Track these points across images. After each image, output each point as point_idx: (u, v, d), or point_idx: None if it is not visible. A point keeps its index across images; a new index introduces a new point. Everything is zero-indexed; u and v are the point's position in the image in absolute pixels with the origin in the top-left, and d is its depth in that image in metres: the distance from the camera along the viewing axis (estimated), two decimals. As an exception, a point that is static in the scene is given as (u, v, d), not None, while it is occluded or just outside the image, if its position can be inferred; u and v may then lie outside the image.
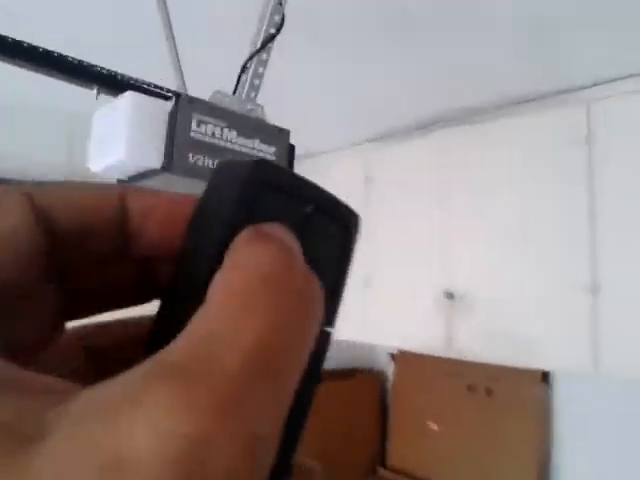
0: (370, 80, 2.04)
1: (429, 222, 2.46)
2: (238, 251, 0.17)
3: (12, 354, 0.15)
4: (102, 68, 0.94)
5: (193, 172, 0.91)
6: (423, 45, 1.75)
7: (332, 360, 3.35)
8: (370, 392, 3.15)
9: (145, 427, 0.12)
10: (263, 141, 0.98)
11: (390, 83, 2.06)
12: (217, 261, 0.17)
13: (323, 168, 3.06)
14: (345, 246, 0.23)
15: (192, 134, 0.92)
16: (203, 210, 0.20)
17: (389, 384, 3.15)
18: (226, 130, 0.95)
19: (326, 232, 0.22)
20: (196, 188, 0.93)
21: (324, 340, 0.21)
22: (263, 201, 0.20)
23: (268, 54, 1.03)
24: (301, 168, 3.25)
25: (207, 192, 0.21)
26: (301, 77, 2.06)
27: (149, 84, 0.95)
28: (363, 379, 3.19)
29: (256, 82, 1.03)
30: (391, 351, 3.09)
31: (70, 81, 0.92)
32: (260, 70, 1.03)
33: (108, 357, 0.21)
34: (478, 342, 2.25)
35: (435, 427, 2.79)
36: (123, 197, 0.21)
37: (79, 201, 0.20)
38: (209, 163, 0.93)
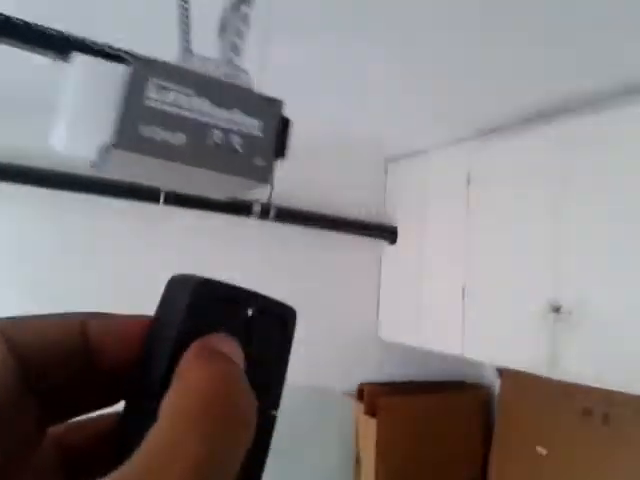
0: (473, 69, 1.87)
1: (538, 225, 2.20)
2: (186, 370, 0.21)
3: (8, 459, 0.21)
4: (52, 29, 0.82)
5: (149, 149, 0.75)
6: (543, 28, 1.55)
7: (439, 371, 3.24)
8: (476, 406, 3.04)
9: None
10: (246, 113, 0.80)
11: (497, 69, 1.86)
12: (167, 376, 0.21)
13: (422, 169, 2.89)
14: (284, 338, 0.26)
15: (147, 102, 0.76)
16: (155, 327, 0.24)
17: (496, 399, 2.92)
18: (195, 98, 0.78)
19: (267, 329, 0.25)
20: (165, 168, 0.81)
21: (270, 422, 0.25)
22: (208, 313, 0.23)
23: (249, 6, 0.85)
24: (399, 169, 3.10)
25: (158, 310, 0.24)
26: (399, 74, 1.94)
27: (103, 45, 0.82)
28: (469, 392, 3.06)
29: (237, 42, 0.86)
30: (498, 366, 2.86)
31: (17, 45, 0.81)
32: (241, 27, 0.86)
33: (83, 453, 0.25)
34: (587, 363, 1.98)
35: (544, 452, 2.52)
36: (84, 323, 0.24)
37: (45, 334, 0.23)
38: (172, 138, 0.77)
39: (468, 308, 2.49)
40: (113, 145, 0.75)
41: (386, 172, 3.16)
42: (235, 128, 0.81)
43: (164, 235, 2.56)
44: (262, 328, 0.25)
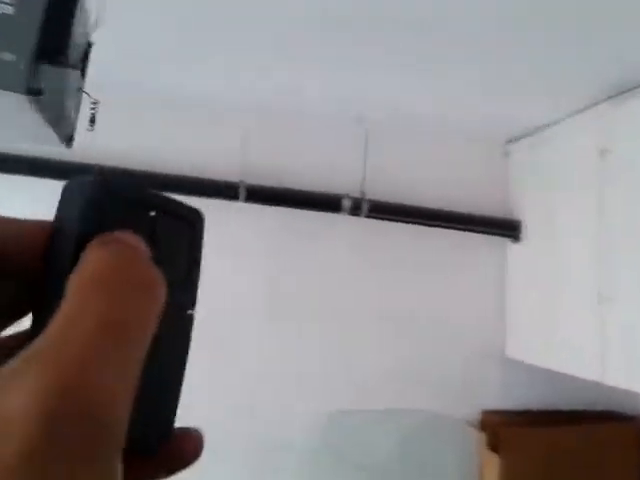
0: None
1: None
2: (86, 255, 0.21)
3: None
4: None
5: None
6: None
7: (578, 397, 2.53)
8: (628, 442, 2.43)
9: (16, 392, 0.17)
10: None
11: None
12: (71, 268, 0.21)
13: (547, 144, 2.34)
14: (193, 240, 0.26)
15: None
16: (56, 230, 0.23)
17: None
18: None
19: (173, 231, 0.25)
20: None
21: (187, 321, 0.26)
22: (109, 214, 0.23)
23: None
24: (520, 151, 2.56)
25: (57, 213, 0.23)
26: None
27: None
28: (618, 425, 2.48)
29: None
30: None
31: None
32: None
33: None
34: None
35: None
36: None
37: None
38: None
39: (609, 321, 1.92)
40: None
41: (506, 155, 2.63)
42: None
43: (240, 235, 2.35)
44: (167, 230, 0.25)
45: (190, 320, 0.26)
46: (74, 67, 0.54)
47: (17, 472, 0.16)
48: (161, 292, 0.21)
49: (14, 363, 0.18)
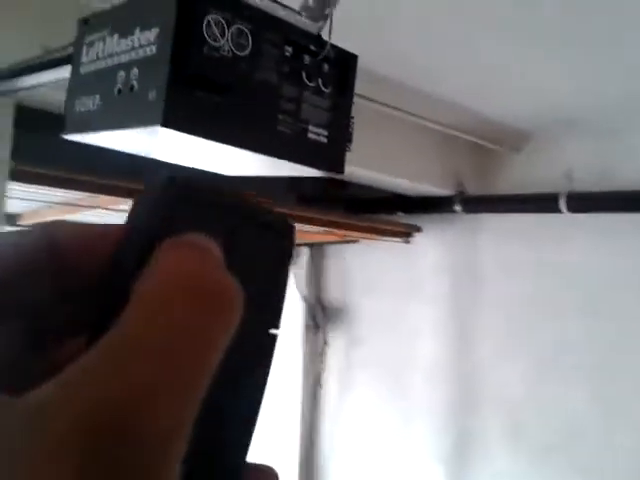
0: None
1: None
2: (153, 258, 0.19)
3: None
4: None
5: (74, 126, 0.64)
6: None
7: None
8: None
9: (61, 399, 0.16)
10: (144, 28, 0.58)
11: None
12: (137, 272, 0.19)
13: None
14: (279, 252, 0.24)
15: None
16: (126, 233, 0.22)
17: None
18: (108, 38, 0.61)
19: (255, 241, 0.23)
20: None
21: (270, 342, 0.23)
22: (182, 215, 0.21)
23: None
24: None
25: (130, 214, 0.22)
26: None
27: None
28: None
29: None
30: None
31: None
32: None
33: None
34: None
35: None
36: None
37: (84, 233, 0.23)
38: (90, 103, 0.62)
39: None
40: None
41: None
42: (134, 56, 0.58)
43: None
44: (248, 238, 0.23)
45: (273, 341, 0.23)
46: (226, 87, 0.59)
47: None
48: (237, 303, 0.19)
49: (67, 371, 0.17)
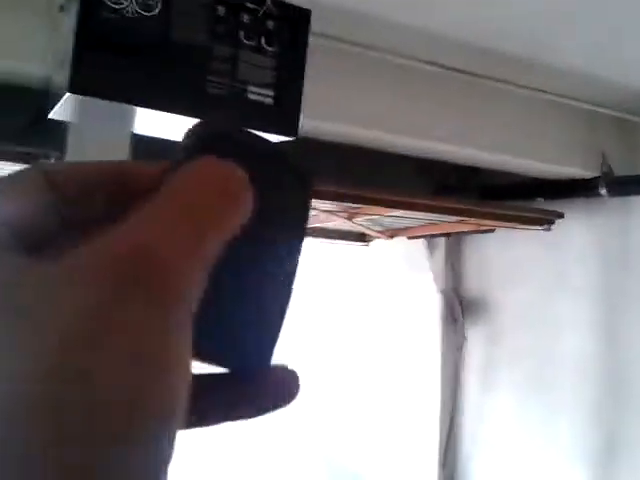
0: None
1: None
2: (185, 166, 0.21)
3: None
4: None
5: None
6: None
7: None
8: None
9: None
10: None
11: None
12: None
13: None
14: (301, 197, 0.26)
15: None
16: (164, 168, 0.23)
17: None
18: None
19: (281, 182, 0.25)
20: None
21: (290, 270, 0.25)
22: (221, 149, 0.22)
23: None
24: None
25: (178, 146, 0.23)
26: None
27: None
28: None
29: None
30: None
31: None
32: None
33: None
34: None
35: None
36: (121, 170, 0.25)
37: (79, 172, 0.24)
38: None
39: None
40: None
41: None
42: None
43: None
44: (273, 179, 0.24)
45: (293, 271, 0.25)
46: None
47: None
48: (248, 201, 0.21)
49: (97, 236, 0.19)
